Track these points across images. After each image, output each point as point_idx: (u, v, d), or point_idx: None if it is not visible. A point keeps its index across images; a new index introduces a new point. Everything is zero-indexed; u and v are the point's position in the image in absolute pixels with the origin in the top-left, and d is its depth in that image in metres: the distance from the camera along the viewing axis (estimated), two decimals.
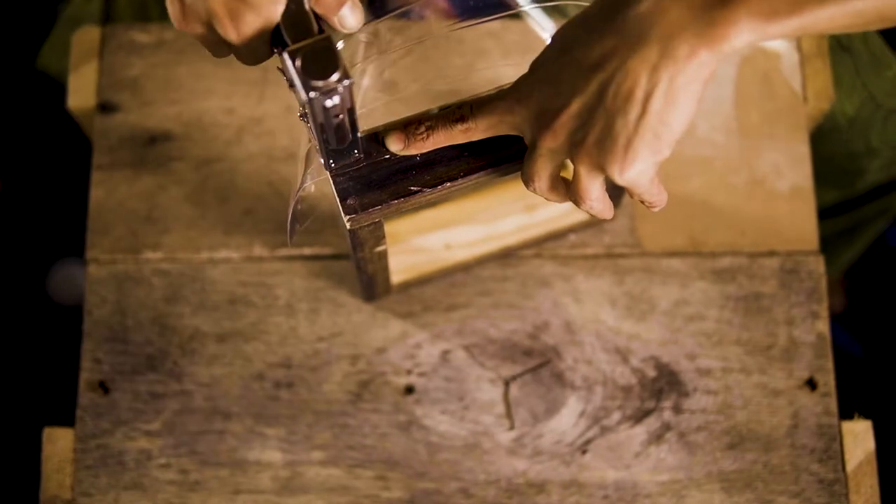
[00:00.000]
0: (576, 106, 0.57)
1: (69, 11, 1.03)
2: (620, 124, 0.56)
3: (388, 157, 0.66)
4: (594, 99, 0.57)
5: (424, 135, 0.64)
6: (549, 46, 0.60)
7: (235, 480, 0.84)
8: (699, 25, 0.53)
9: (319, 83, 0.56)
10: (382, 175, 0.66)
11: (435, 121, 0.64)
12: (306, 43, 0.56)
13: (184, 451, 0.85)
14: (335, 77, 0.56)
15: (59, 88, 1.02)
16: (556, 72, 0.58)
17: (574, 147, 0.59)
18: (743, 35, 0.53)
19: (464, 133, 0.64)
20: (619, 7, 0.55)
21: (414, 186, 0.66)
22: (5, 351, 1.46)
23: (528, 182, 0.64)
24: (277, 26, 0.59)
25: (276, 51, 0.60)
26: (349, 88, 0.57)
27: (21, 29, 1.57)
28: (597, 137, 0.57)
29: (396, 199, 0.66)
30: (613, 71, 0.55)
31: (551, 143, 0.59)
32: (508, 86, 0.67)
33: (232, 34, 0.59)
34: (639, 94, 0.55)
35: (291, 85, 0.57)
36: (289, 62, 0.56)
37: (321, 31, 0.59)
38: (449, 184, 0.66)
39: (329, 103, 0.57)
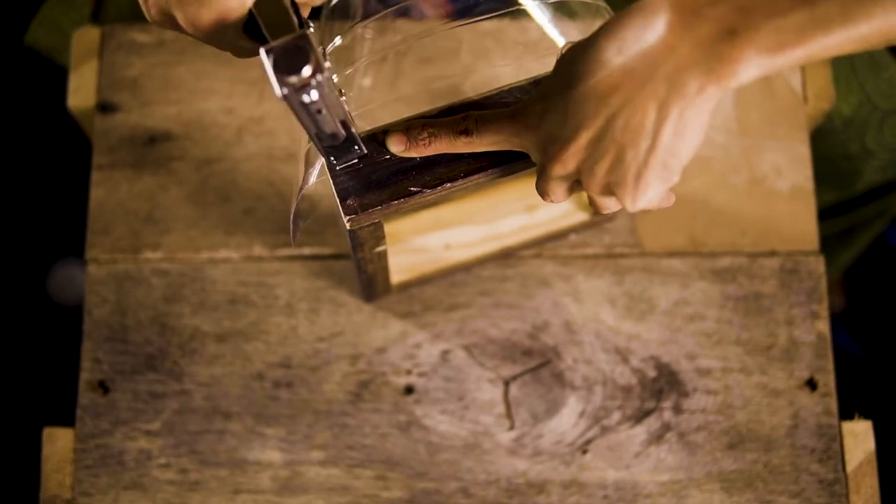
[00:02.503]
0: (585, 138, 0.58)
1: None
2: (630, 156, 0.57)
3: (388, 157, 0.66)
4: (603, 131, 0.57)
5: (426, 140, 0.65)
6: (556, 73, 0.60)
7: (235, 480, 0.84)
8: (707, 62, 0.54)
9: (293, 79, 0.56)
10: (382, 175, 0.66)
11: (438, 128, 0.64)
12: (283, 40, 0.56)
13: (184, 450, 0.85)
14: (307, 72, 0.55)
15: (52, 78, 1.02)
16: (564, 102, 0.58)
17: (584, 175, 0.60)
18: (750, 69, 0.54)
19: (466, 145, 0.64)
20: (627, 40, 0.55)
21: (414, 187, 0.66)
22: (5, 351, 1.46)
23: (543, 197, 0.65)
24: (253, 21, 0.59)
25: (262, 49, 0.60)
26: (325, 83, 0.56)
27: (18, 24, 1.56)
28: (607, 168, 0.59)
29: (396, 199, 0.66)
30: (622, 105, 0.56)
31: (561, 170, 0.60)
32: (510, 87, 0.67)
33: (189, 27, 0.59)
34: (648, 127, 0.56)
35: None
36: (265, 59, 0.56)
37: (303, 25, 0.59)
38: (449, 184, 0.66)
39: (307, 98, 0.57)
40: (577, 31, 0.71)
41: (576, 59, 0.58)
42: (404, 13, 0.92)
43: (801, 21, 0.53)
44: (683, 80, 0.54)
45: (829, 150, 0.98)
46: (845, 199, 1.09)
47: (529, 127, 0.61)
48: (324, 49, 0.62)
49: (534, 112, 0.60)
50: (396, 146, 0.65)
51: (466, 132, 0.64)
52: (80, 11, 1.00)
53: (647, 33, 0.55)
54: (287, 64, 0.56)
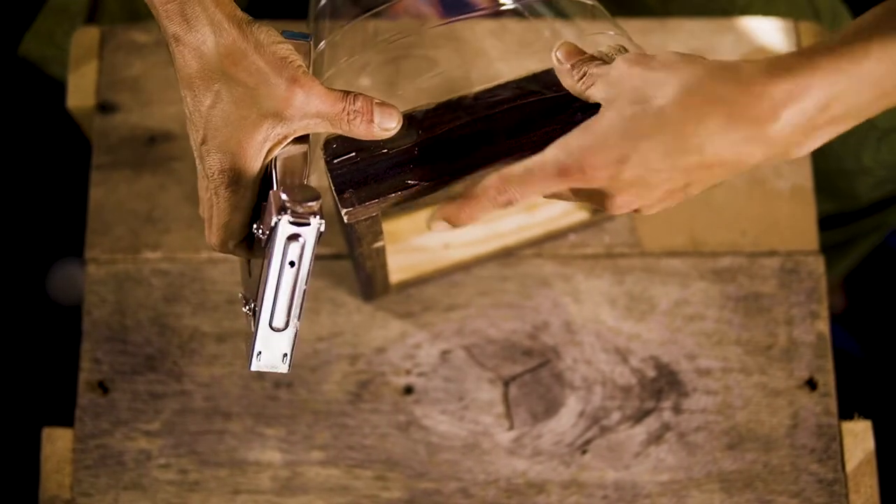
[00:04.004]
0: (627, 196, 0.62)
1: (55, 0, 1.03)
2: (668, 202, 0.64)
3: (385, 150, 0.66)
4: (648, 191, 0.62)
5: (469, 218, 0.64)
6: (609, 125, 0.60)
7: (235, 480, 0.84)
8: (775, 161, 0.60)
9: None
10: (380, 169, 0.66)
11: (476, 202, 0.63)
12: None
13: (183, 451, 0.85)
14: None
15: (51, 80, 1.02)
16: (644, 170, 0.60)
17: (608, 209, 0.64)
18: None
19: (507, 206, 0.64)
20: (689, 133, 0.58)
21: (411, 180, 0.66)
22: (5, 351, 1.46)
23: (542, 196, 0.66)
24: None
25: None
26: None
27: (7, 19, 1.56)
28: (641, 205, 0.63)
29: (393, 192, 0.66)
30: (671, 175, 0.60)
31: (602, 211, 0.65)
32: (507, 83, 0.67)
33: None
34: (689, 190, 0.62)
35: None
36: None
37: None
38: (447, 178, 0.66)
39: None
40: (574, 30, 0.71)
41: (637, 124, 0.59)
42: (389, 14, 0.92)
43: (848, 125, 0.59)
44: (751, 166, 0.60)
45: (825, 164, 0.97)
46: (842, 211, 1.08)
47: (586, 180, 0.61)
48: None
49: (586, 155, 0.60)
50: (443, 227, 0.65)
51: (510, 202, 0.62)
52: (72, 22, 1.00)
53: (741, 135, 0.58)
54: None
